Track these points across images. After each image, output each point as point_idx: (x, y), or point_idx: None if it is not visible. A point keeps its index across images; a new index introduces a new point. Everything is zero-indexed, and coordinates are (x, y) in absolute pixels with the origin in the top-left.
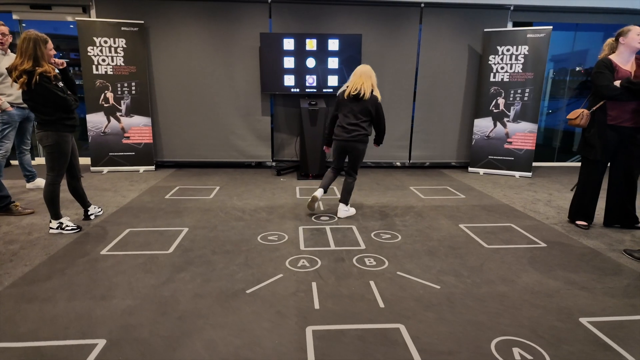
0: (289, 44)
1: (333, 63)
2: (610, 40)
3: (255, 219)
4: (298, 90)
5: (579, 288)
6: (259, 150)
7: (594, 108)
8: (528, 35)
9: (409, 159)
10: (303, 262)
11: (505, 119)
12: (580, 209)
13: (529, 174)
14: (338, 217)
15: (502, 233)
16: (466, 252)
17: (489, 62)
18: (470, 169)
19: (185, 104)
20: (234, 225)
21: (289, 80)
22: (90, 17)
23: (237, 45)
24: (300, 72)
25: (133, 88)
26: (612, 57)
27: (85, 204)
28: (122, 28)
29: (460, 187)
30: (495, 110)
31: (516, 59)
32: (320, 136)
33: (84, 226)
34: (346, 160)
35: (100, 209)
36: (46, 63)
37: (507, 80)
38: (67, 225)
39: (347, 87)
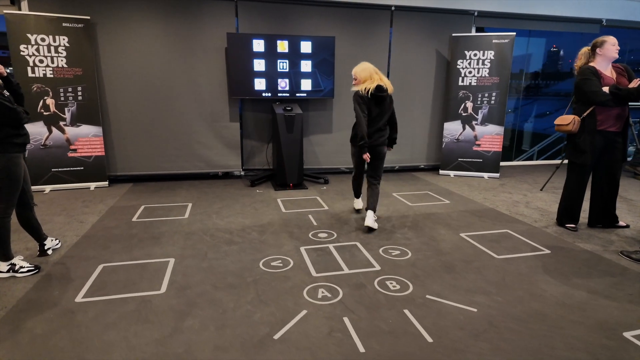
0: (258, 45)
1: (306, 66)
2: (585, 49)
3: (247, 240)
4: (270, 94)
5: (603, 297)
6: (227, 159)
7: (585, 114)
8: (493, 41)
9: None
10: (323, 293)
11: (474, 122)
12: (568, 212)
13: (497, 175)
14: (367, 226)
15: (503, 241)
16: (482, 266)
17: (457, 67)
18: (441, 171)
19: (141, 111)
20: (227, 251)
21: (259, 84)
22: (20, 9)
23: (201, 45)
24: (271, 75)
25: (79, 93)
26: (593, 64)
27: (40, 237)
28: (64, 24)
29: (440, 192)
30: (464, 114)
31: (483, 64)
32: (298, 142)
33: (41, 265)
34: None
35: (57, 241)
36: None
37: (475, 84)
38: (21, 267)
39: (365, 85)
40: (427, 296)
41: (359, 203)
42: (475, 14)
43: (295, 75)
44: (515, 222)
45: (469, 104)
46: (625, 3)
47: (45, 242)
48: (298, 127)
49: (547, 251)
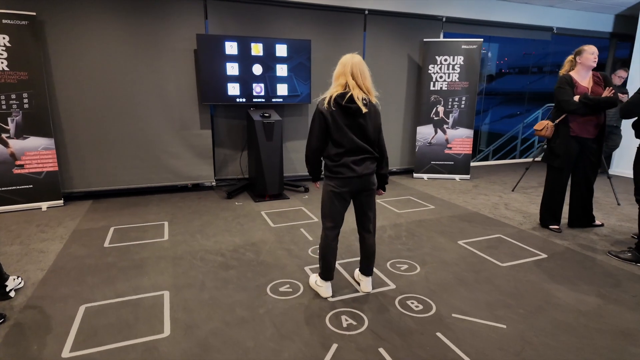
0: (231, 47)
1: (282, 70)
2: (570, 57)
3: (244, 263)
4: (244, 100)
5: (612, 302)
6: (198, 169)
7: (557, 121)
8: (462, 46)
9: None
10: (347, 320)
11: (445, 126)
12: (551, 213)
13: (468, 177)
14: (365, 292)
15: (500, 246)
16: (491, 276)
17: (429, 72)
18: (415, 174)
19: (101, 119)
20: (225, 278)
21: (233, 89)
22: None
23: (167, 47)
24: (246, 80)
25: (25, 101)
26: (572, 73)
27: (1, 278)
28: (4, 21)
29: (422, 197)
30: (435, 118)
31: (453, 69)
32: (278, 150)
33: (5, 312)
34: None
35: (20, 280)
36: None
37: (446, 89)
38: None
39: (333, 92)
40: (453, 315)
41: (328, 290)
42: (444, 19)
43: (270, 80)
44: (502, 225)
45: (440, 108)
46: (573, 13)
47: (6, 283)
48: (278, 134)
49: (544, 255)
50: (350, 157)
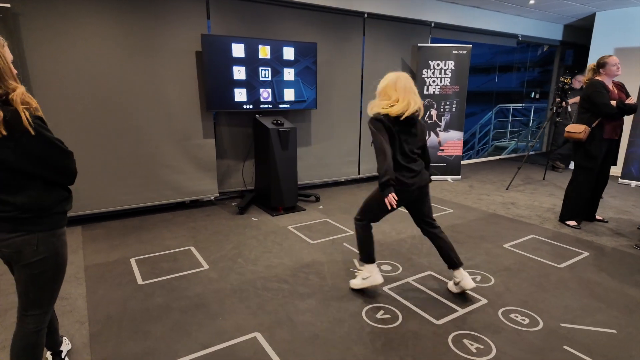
0: (238, 50)
1: (289, 74)
2: (591, 65)
3: (316, 289)
4: (251, 106)
5: None
6: (201, 183)
7: (594, 124)
8: (453, 52)
9: (359, 173)
10: (471, 344)
11: (438, 129)
12: (575, 211)
13: (459, 177)
14: (468, 289)
15: (543, 247)
16: (560, 279)
17: (423, 76)
18: None
19: (88, 131)
20: (309, 308)
21: (240, 94)
22: None
23: (166, 48)
24: (253, 84)
25: None
26: (602, 79)
27: (55, 342)
28: None
29: (433, 200)
30: (429, 121)
31: (445, 73)
32: (293, 160)
33: None
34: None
35: (66, 340)
36: (19, 82)
37: (438, 93)
38: None
39: (393, 103)
40: (562, 325)
41: (378, 274)
42: (432, 25)
43: (278, 85)
44: (527, 225)
45: (434, 112)
46: (535, 22)
47: (61, 349)
48: (293, 142)
49: (586, 253)
50: None
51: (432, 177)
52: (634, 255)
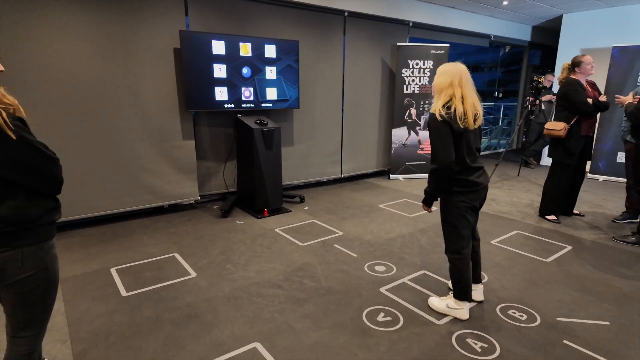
0: (218, 47)
1: (271, 73)
2: (566, 64)
3: (312, 294)
4: (233, 106)
5: None
6: (181, 186)
7: (573, 122)
8: (431, 51)
9: (341, 173)
10: (475, 343)
11: (417, 128)
12: (555, 206)
13: None
14: (479, 301)
15: (529, 243)
16: (549, 274)
17: (402, 75)
18: (391, 175)
19: (59, 133)
20: (308, 314)
21: (221, 93)
22: None
23: (142, 46)
24: (234, 83)
25: None
26: (577, 78)
27: None
28: None
29: (415, 198)
30: (409, 120)
31: (423, 72)
32: (278, 160)
33: None
34: None
35: None
36: None
37: (418, 92)
38: None
39: (455, 103)
40: (558, 319)
41: (467, 311)
42: (410, 24)
43: (260, 83)
44: (510, 221)
45: (413, 111)
46: (506, 22)
47: None
48: (277, 142)
49: (569, 247)
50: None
51: (412, 176)
52: (614, 247)
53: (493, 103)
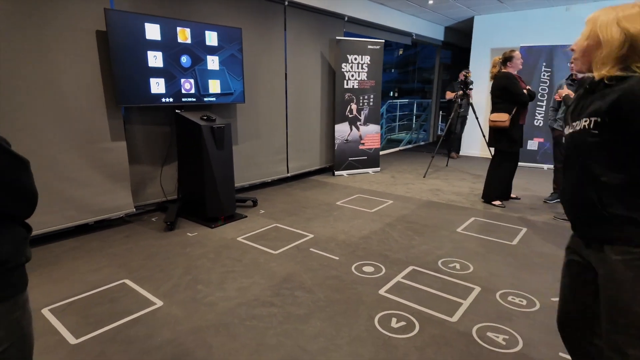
0: (153, 31)
1: (213, 63)
2: (497, 58)
3: (313, 307)
4: (172, 100)
5: None
6: (113, 197)
7: (514, 112)
8: (368, 47)
9: (288, 172)
10: (499, 337)
11: (358, 123)
12: (500, 192)
13: (379, 169)
14: None
15: (489, 228)
16: (523, 256)
17: (342, 70)
18: (336, 172)
19: None
20: (318, 332)
21: (157, 86)
22: None
23: (60, 27)
24: (172, 74)
25: None
26: (511, 72)
27: None
28: None
29: (368, 193)
30: (350, 115)
31: (362, 68)
32: (230, 161)
33: None
34: None
35: None
36: None
37: (357, 87)
38: None
39: None
40: (552, 299)
41: None
42: (346, 18)
43: (201, 74)
44: (463, 209)
45: (354, 106)
46: (427, 24)
47: None
48: (228, 141)
49: (525, 228)
50: None
51: (355, 171)
52: (560, 225)
53: (407, 100)
